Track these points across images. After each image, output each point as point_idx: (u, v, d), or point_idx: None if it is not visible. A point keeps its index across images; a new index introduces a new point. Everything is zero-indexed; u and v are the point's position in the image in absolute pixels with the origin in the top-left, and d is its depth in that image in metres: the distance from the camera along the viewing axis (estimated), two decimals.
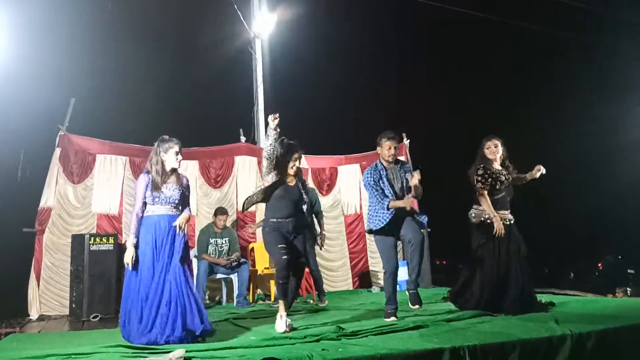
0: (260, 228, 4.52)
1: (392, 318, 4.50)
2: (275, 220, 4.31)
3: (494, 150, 4.72)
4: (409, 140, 8.65)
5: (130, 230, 3.99)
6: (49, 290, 6.44)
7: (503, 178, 4.70)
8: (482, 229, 4.69)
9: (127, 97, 9.49)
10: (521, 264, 4.64)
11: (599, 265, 13.11)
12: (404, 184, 4.59)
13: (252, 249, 7.29)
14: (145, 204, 3.97)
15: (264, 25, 8.98)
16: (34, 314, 6.24)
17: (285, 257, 4.15)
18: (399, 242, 4.76)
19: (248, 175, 7.87)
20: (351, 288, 8.22)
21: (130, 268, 3.89)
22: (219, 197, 7.60)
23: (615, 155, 12.90)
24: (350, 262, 8.38)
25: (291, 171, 4.38)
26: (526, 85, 13.77)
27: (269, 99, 8.97)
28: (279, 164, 4.31)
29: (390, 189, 4.52)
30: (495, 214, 4.58)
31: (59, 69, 8.66)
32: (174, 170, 4.04)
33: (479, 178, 4.64)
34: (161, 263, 3.87)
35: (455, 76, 13.35)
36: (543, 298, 5.22)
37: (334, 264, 8.26)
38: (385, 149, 4.61)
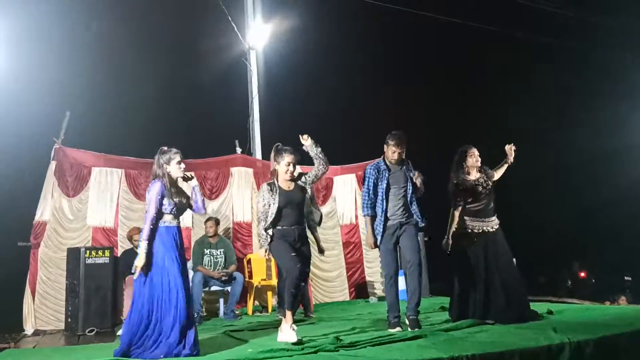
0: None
1: (397, 329, 4.46)
2: (280, 227, 4.26)
3: (477, 159, 4.83)
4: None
5: (142, 236, 3.84)
6: (44, 305, 6.37)
7: (481, 188, 4.76)
8: (461, 240, 4.79)
9: (122, 109, 9.48)
10: (507, 273, 4.62)
11: (582, 273, 13.15)
12: (408, 184, 4.63)
13: (249, 260, 7.27)
14: (159, 211, 3.91)
15: (258, 37, 9.02)
16: (29, 329, 6.17)
17: (299, 265, 4.10)
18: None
19: (244, 187, 7.86)
20: (348, 299, 8.19)
21: (136, 276, 3.82)
22: (215, 208, 7.58)
23: (591, 166, 13.05)
24: (347, 273, 8.36)
25: (287, 176, 4.29)
26: (518, 92, 13.89)
27: (264, 109, 9.00)
28: (275, 171, 4.32)
29: (383, 193, 4.58)
30: (450, 232, 4.83)
31: (54, 82, 8.65)
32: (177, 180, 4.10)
33: (452, 195, 4.83)
34: (174, 277, 3.86)
35: (452, 84, 13.41)
36: (540, 307, 5.22)
37: (330, 274, 8.23)
38: (390, 152, 4.65)
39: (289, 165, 4.28)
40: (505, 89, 13.72)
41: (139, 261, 3.79)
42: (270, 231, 4.23)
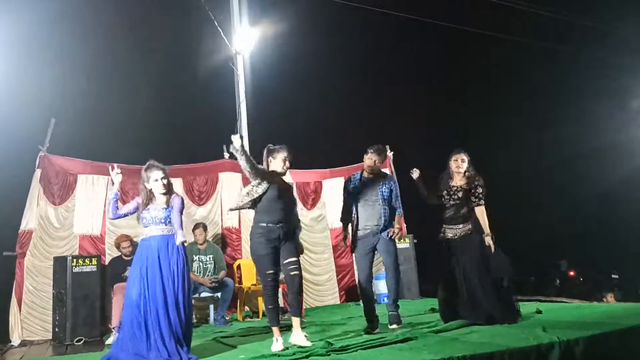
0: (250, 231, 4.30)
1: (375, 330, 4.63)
2: (265, 225, 4.12)
3: (459, 165, 4.83)
4: (392, 153, 8.70)
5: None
6: (31, 315, 6.28)
7: (447, 196, 4.80)
8: (439, 245, 4.87)
9: (108, 115, 9.41)
10: (476, 277, 4.62)
11: (571, 272, 13.25)
12: (381, 197, 4.81)
13: (239, 265, 7.24)
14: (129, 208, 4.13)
15: (245, 41, 9.01)
16: (15, 340, 6.08)
17: (272, 283, 4.09)
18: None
19: (232, 192, 7.81)
20: (338, 302, 8.19)
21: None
22: (203, 214, 7.53)
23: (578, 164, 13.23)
24: (337, 276, 8.35)
25: (282, 170, 4.29)
26: (506, 91, 14.05)
27: (251, 114, 8.98)
28: (267, 169, 4.28)
29: (355, 202, 4.85)
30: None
31: (39, 88, 8.57)
32: (165, 194, 4.07)
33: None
34: (154, 285, 3.85)
35: (439, 87, 13.53)
36: (529, 306, 5.25)
37: (320, 277, 8.22)
38: (367, 160, 4.91)
39: (285, 160, 4.28)
40: (494, 88, 13.87)
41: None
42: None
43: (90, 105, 9.28)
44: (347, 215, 4.97)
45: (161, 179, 4.04)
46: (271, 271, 4.10)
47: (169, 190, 4.09)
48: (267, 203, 4.15)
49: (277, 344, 3.98)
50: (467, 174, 4.82)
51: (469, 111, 13.65)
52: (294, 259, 4.20)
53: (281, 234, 4.14)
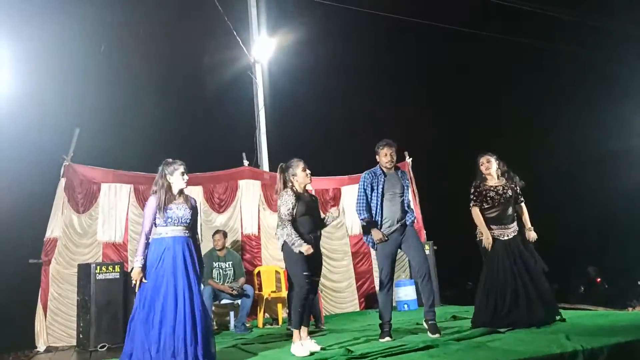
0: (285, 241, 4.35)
1: (387, 338, 4.53)
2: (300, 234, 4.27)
3: (487, 166, 4.90)
4: (411, 159, 8.68)
5: (137, 251, 3.98)
6: (56, 321, 6.40)
7: (493, 194, 4.79)
8: (483, 248, 4.82)
9: (129, 125, 9.57)
10: (530, 277, 4.64)
11: (597, 280, 12.96)
12: (404, 190, 4.77)
13: (259, 272, 7.27)
14: (154, 225, 4.02)
15: (263, 50, 9.11)
16: (41, 346, 6.20)
17: (308, 286, 4.17)
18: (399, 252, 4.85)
19: (252, 199, 7.88)
20: (358, 309, 8.16)
21: (137, 289, 3.93)
22: (223, 221, 7.60)
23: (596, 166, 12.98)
24: (356, 283, 8.33)
25: (307, 179, 4.41)
26: (520, 96, 13.90)
27: (270, 122, 9.05)
28: (289, 180, 4.38)
29: (379, 198, 4.67)
30: (485, 229, 4.72)
31: (63, 99, 8.75)
32: (181, 192, 4.11)
33: (471, 196, 4.88)
34: (181, 287, 3.89)
35: (455, 93, 13.45)
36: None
37: (339, 284, 8.21)
38: (383, 156, 4.80)
39: (305, 170, 4.39)
40: (513, 91, 13.74)
41: (134, 274, 3.92)
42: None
43: (113, 115, 9.45)
44: (369, 210, 4.78)
45: (185, 173, 4.14)
46: (307, 273, 4.18)
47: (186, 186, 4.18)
48: (299, 217, 4.31)
49: (302, 348, 4.01)
50: (500, 172, 4.90)
51: (494, 113, 13.52)
52: (319, 266, 4.40)
53: (312, 244, 4.27)
